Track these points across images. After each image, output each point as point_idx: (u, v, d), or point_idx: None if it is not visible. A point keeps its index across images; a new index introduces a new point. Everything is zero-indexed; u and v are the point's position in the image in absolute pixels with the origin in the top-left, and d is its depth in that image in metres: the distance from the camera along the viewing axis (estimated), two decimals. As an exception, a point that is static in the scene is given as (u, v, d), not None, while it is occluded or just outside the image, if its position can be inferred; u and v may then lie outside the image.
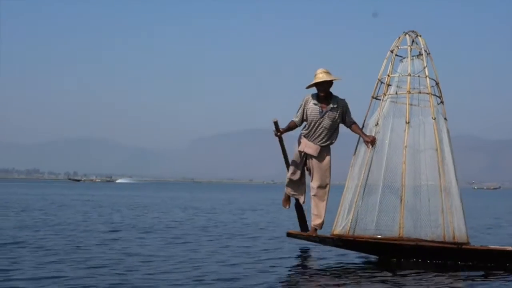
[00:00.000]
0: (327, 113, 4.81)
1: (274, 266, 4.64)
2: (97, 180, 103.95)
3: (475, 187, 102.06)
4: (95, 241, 6.02)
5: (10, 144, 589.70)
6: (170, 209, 13.45)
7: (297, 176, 5.08)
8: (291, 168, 5.10)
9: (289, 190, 5.22)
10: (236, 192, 39.77)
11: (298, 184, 5.21)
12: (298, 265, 5.20)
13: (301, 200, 5.22)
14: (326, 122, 4.81)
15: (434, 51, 5.11)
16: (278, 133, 5.00)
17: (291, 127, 5.03)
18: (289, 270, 4.70)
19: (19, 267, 4.25)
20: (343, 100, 4.90)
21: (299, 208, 5.26)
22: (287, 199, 5.38)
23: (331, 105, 4.81)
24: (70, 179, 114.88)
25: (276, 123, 5.00)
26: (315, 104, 4.86)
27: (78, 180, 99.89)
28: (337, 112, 4.83)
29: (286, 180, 5.25)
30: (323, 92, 4.82)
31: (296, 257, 5.50)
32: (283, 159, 5.26)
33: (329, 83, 4.82)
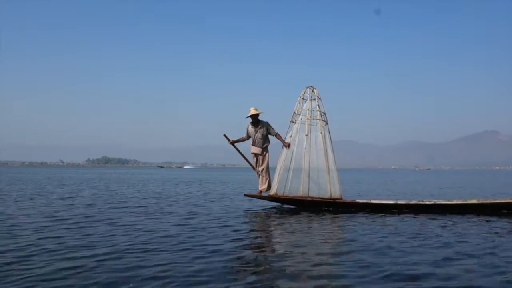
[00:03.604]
0: (258, 130, 8.45)
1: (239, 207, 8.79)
2: (173, 167, 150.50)
3: (417, 169, 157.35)
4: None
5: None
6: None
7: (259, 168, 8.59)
8: (255, 165, 8.58)
9: (262, 187, 8.53)
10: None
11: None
12: (251, 207, 8.33)
13: (264, 187, 8.55)
14: (259, 135, 8.44)
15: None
16: (230, 142, 8.57)
17: (240, 140, 8.61)
18: (245, 210, 8.28)
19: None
20: (265, 121, 8.50)
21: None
22: (260, 192, 8.70)
23: (259, 125, 8.47)
24: (158, 166, 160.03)
25: (225, 136, 8.57)
26: (252, 126, 8.51)
27: (162, 167, 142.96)
28: (263, 128, 8.44)
29: (257, 174, 8.54)
30: (254, 119, 8.51)
31: (250, 205, 8.82)
32: (243, 158, 8.66)
33: (257, 114, 8.50)
